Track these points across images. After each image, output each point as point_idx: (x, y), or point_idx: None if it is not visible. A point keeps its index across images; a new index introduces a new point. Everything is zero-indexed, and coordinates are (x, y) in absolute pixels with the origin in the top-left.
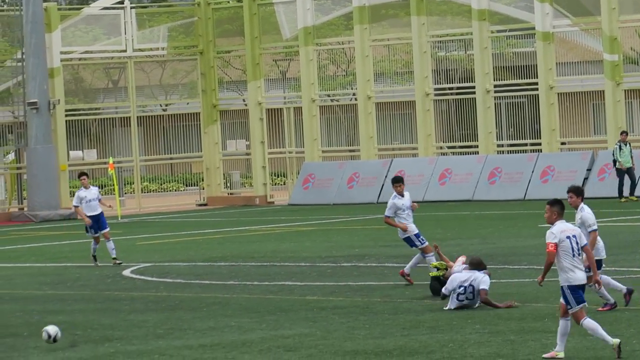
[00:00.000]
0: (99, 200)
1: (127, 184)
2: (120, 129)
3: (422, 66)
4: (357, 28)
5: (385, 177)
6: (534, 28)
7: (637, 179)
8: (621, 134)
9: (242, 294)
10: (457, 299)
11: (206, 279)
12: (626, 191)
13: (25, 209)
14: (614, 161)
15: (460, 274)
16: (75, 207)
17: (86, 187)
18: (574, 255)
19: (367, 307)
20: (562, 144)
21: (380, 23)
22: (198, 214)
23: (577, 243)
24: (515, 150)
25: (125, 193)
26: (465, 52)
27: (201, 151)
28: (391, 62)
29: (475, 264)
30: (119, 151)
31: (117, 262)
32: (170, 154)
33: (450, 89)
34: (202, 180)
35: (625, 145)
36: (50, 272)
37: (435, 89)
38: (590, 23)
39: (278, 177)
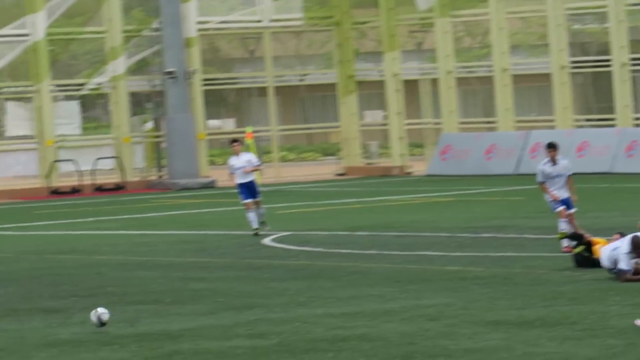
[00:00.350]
0: (255, 166)
1: (265, 153)
2: (257, 98)
3: (558, 39)
4: (492, 0)
5: (523, 149)
6: None
7: None
8: None
9: (382, 263)
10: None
11: (346, 248)
12: None
13: (164, 177)
14: None
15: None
16: (231, 174)
17: (237, 154)
18: None
19: (507, 278)
20: None
21: None
22: (336, 183)
23: None
24: None
25: (264, 162)
26: (601, 25)
27: (339, 121)
28: (526, 35)
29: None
30: (257, 120)
31: (265, 228)
32: (308, 123)
33: (586, 62)
34: (340, 150)
35: None
36: (191, 239)
37: (571, 62)
38: None
39: (415, 148)
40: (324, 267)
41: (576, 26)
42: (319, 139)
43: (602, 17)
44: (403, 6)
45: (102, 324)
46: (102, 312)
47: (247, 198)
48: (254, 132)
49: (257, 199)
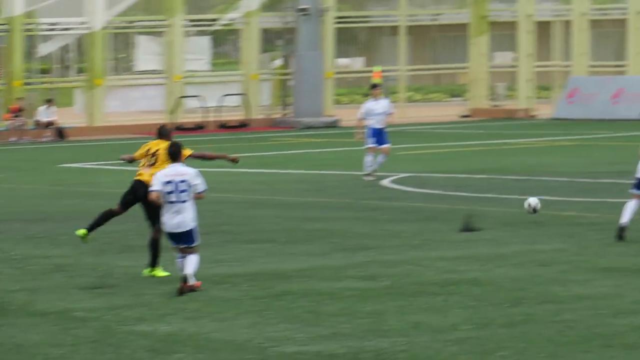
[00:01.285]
0: (387, 115)
1: (392, 93)
2: (388, 37)
3: None
4: None
5: None
6: None
7: None
8: None
9: (499, 207)
10: None
11: (464, 191)
12: None
13: (289, 114)
14: None
15: None
16: (359, 119)
17: (376, 98)
18: None
19: None
20: None
21: None
22: (461, 125)
23: None
24: None
25: (391, 102)
26: None
27: (468, 62)
28: None
29: None
30: (386, 60)
31: (369, 177)
32: (437, 64)
33: None
34: (467, 91)
35: None
36: (311, 179)
37: None
38: None
39: (543, 90)
40: (440, 210)
41: None
42: (447, 80)
43: None
44: None
45: (534, 210)
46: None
47: (375, 143)
48: (382, 71)
49: (385, 146)
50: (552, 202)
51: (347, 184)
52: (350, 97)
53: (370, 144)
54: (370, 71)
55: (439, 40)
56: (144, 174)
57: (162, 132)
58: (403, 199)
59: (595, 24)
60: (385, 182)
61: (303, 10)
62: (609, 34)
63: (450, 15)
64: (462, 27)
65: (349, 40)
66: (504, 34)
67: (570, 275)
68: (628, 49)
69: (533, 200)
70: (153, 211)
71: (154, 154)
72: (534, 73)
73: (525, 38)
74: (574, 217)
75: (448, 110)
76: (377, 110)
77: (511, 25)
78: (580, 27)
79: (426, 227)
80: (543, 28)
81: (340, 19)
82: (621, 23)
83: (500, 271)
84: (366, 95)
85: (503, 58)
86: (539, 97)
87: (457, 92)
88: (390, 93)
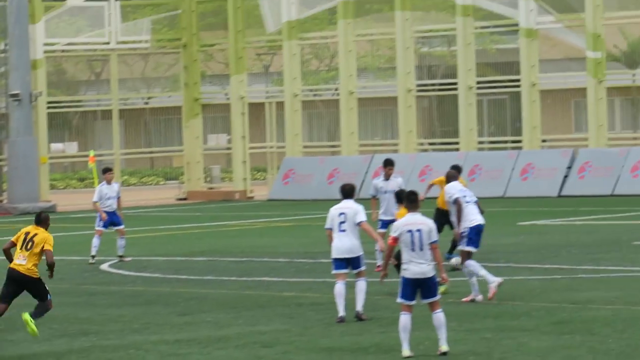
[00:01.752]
0: (118, 199)
1: None
2: (101, 121)
3: (405, 62)
4: (341, 23)
5: (366, 173)
6: (517, 24)
7: None
8: None
9: (219, 289)
10: None
11: (184, 274)
12: None
13: (4, 201)
14: None
15: None
16: (94, 202)
17: (109, 183)
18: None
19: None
20: (543, 141)
21: (364, 18)
22: (178, 208)
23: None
24: (496, 148)
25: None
26: (449, 48)
27: (182, 145)
28: (374, 58)
29: None
30: (100, 144)
31: (126, 259)
32: (151, 147)
33: (432, 85)
34: (183, 174)
35: None
36: None
37: (418, 85)
38: (574, 20)
39: (258, 172)
40: (161, 293)
41: (424, 49)
42: (162, 163)
43: (450, 39)
44: (251, 29)
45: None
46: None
47: (105, 226)
48: (96, 155)
49: (121, 227)
50: (273, 283)
51: (64, 269)
52: (66, 182)
53: (99, 227)
54: (86, 155)
55: (152, 124)
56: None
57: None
58: (122, 283)
59: (308, 104)
60: (104, 267)
61: (14, 95)
62: (322, 115)
63: (163, 99)
64: (176, 109)
65: (62, 124)
66: (217, 116)
67: (293, 356)
68: (341, 129)
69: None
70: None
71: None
72: (249, 154)
73: (239, 120)
74: (294, 298)
75: (164, 194)
76: (110, 194)
77: (224, 107)
78: (293, 108)
79: (147, 310)
80: (256, 109)
81: (52, 103)
82: (334, 103)
83: (221, 353)
84: (82, 179)
85: (217, 140)
86: (255, 179)
87: (172, 175)
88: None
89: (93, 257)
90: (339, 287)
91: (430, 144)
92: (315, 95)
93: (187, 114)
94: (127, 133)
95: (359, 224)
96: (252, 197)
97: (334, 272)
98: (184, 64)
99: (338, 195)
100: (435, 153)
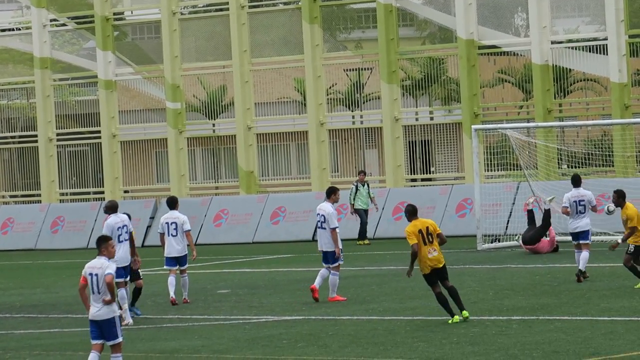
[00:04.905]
0: None
1: None
2: None
3: None
4: None
5: None
6: (96, 76)
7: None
8: (359, 173)
9: None
10: None
11: None
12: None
13: None
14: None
15: None
16: None
17: None
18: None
19: None
20: (126, 192)
21: None
22: None
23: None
24: (79, 199)
25: None
26: (28, 100)
27: None
28: None
29: None
30: None
31: None
32: None
33: (12, 137)
34: None
35: (363, 185)
36: None
37: None
38: (153, 71)
39: None
40: None
41: (3, 101)
42: None
43: (29, 92)
44: None
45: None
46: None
47: None
48: None
49: None
50: None
51: None
52: None
53: None
54: None
55: None
56: None
57: None
58: None
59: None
60: None
61: None
62: None
63: None
64: None
65: None
66: None
67: None
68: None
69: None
70: None
71: None
72: None
73: None
74: None
75: None
76: None
77: None
78: None
79: None
80: None
81: None
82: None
83: None
84: None
85: None
86: None
87: None
88: None
89: None
90: None
91: (12, 196)
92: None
93: None
94: None
95: None
96: None
97: None
98: None
99: None
100: (17, 206)
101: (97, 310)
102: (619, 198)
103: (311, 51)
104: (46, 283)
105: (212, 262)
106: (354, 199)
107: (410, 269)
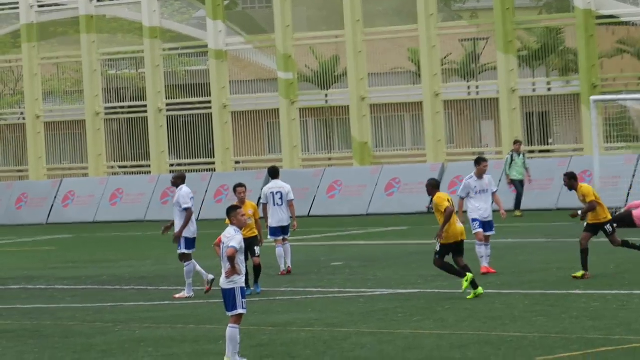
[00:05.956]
0: None
1: None
2: None
3: (92, 85)
4: (25, 46)
5: (55, 197)
6: (206, 46)
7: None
8: (515, 143)
9: None
10: None
11: None
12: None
13: None
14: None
15: None
16: None
17: None
18: None
19: (36, 331)
20: (237, 162)
21: (49, 41)
22: None
23: None
24: (189, 170)
25: None
26: (137, 71)
27: None
28: (60, 81)
29: None
30: None
31: None
32: None
33: (121, 107)
34: None
35: (519, 155)
36: None
37: (106, 108)
38: (264, 41)
39: None
40: None
41: (112, 71)
42: None
43: (137, 61)
44: None
45: None
46: None
47: None
48: None
49: None
50: None
51: None
52: None
53: None
54: None
55: None
56: None
57: None
58: None
59: None
60: None
61: None
62: (8, 140)
63: None
64: None
65: None
66: None
67: None
68: (28, 154)
69: None
70: None
71: None
72: None
73: None
74: None
75: None
76: None
77: None
78: None
79: None
80: None
81: None
82: (20, 128)
83: None
84: None
85: None
86: None
87: None
88: None
89: None
90: None
91: (121, 167)
92: (1, 119)
93: None
94: None
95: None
96: None
97: None
98: None
99: (27, 221)
100: (126, 177)
101: (221, 278)
102: (570, 180)
103: (425, 21)
104: (156, 255)
105: (325, 234)
106: (509, 169)
107: (440, 232)
